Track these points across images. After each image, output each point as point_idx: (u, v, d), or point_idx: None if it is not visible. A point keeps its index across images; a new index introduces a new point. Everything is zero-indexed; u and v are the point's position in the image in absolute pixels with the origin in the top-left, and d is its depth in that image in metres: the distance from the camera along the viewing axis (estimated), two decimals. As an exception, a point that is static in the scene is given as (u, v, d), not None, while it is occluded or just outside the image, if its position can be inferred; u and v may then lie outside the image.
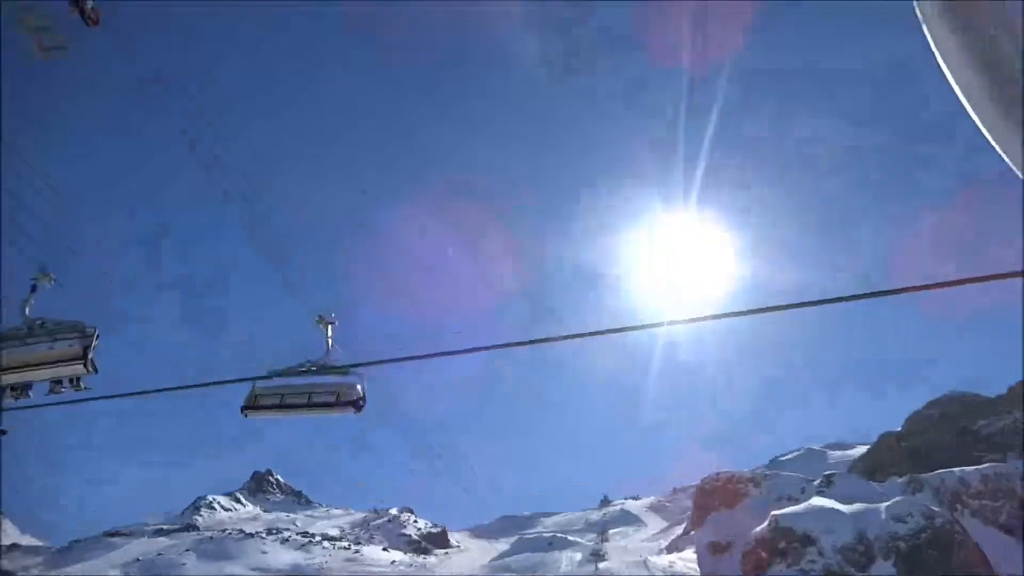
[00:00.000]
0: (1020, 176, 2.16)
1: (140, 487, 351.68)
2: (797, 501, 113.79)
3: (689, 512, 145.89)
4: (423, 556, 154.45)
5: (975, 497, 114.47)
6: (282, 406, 9.88)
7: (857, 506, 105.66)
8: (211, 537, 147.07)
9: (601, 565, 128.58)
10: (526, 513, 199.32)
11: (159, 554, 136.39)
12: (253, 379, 9.89)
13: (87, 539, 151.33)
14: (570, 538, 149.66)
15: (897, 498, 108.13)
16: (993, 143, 2.17)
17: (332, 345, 10.16)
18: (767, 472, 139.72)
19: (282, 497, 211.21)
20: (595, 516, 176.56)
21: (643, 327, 7.88)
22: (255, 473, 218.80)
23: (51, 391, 9.27)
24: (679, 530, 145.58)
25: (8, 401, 9.11)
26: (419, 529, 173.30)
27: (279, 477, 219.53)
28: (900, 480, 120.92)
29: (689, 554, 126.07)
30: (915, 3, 2.20)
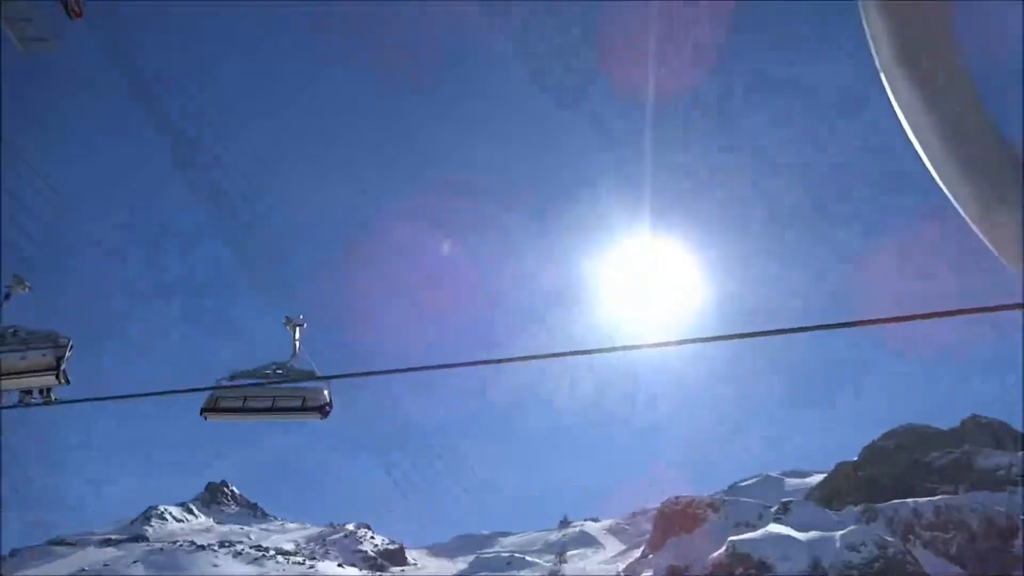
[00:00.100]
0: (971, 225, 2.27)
1: (89, 493, 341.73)
2: (755, 527, 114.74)
3: (648, 535, 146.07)
4: (379, 573, 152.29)
5: (927, 528, 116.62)
6: (244, 409, 9.58)
7: (813, 534, 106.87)
8: (161, 549, 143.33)
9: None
10: (485, 532, 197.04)
11: (105, 565, 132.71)
12: (214, 387, 9.56)
13: (29, 548, 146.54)
14: (528, 558, 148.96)
15: (852, 527, 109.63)
16: (955, 204, 2.26)
17: (299, 348, 9.98)
18: (726, 498, 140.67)
19: (237, 509, 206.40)
20: (554, 537, 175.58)
21: (599, 351, 7.76)
22: (209, 484, 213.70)
23: (21, 401, 8.91)
24: (637, 553, 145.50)
25: None
26: (376, 545, 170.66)
27: (234, 488, 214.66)
28: (855, 509, 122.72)
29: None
30: (880, 73, 2.26)
